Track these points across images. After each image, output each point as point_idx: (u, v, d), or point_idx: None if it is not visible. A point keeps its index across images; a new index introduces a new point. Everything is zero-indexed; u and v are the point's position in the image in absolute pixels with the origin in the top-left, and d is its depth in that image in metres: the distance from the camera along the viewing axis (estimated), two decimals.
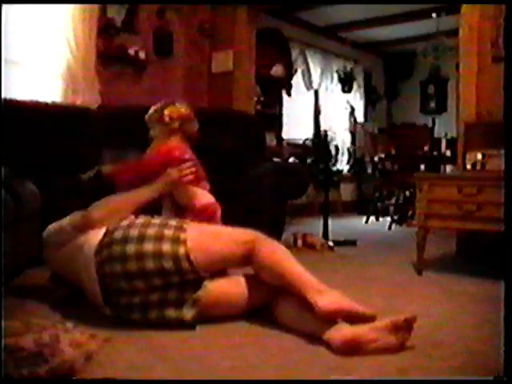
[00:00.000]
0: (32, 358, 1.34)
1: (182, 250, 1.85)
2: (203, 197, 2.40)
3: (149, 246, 1.86)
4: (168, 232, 1.90)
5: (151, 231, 1.90)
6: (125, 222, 1.98)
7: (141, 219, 2.01)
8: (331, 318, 1.68)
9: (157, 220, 2.00)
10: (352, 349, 1.60)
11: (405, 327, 1.63)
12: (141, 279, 1.85)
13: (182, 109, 2.59)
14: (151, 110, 2.62)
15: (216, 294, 1.91)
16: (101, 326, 1.79)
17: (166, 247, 1.86)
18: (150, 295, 1.86)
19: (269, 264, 1.88)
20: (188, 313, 1.84)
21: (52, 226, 2.18)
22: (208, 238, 1.96)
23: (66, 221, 2.14)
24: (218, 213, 2.42)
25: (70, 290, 2.19)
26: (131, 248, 1.86)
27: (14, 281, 2.33)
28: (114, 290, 1.89)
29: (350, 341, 1.61)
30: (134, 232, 1.90)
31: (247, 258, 1.90)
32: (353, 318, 1.70)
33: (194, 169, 2.32)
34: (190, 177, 2.30)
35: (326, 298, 1.71)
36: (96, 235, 1.98)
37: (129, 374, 1.44)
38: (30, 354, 1.34)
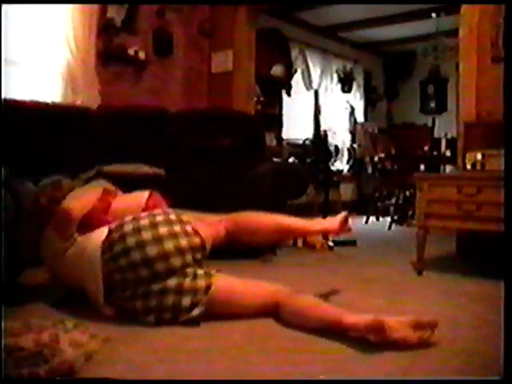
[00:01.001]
0: (32, 357, 1.34)
1: (196, 240, 1.99)
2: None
3: (164, 230, 1.94)
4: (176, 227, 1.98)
5: (160, 218, 1.99)
6: (128, 218, 2.01)
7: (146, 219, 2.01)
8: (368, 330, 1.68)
9: (160, 217, 2.02)
10: (376, 332, 1.64)
11: (426, 328, 1.68)
12: (155, 266, 1.89)
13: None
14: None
15: (226, 288, 1.93)
16: (101, 326, 1.79)
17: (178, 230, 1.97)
18: (164, 298, 1.88)
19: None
20: (196, 310, 1.85)
21: (44, 241, 2.19)
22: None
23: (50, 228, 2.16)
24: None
25: (69, 290, 2.19)
26: (148, 235, 1.92)
27: (14, 281, 2.33)
28: (119, 284, 1.91)
29: (376, 324, 1.64)
30: (145, 222, 1.96)
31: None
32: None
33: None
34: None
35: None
36: (99, 235, 1.99)
37: (129, 374, 1.44)
38: (30, 354, 1.34)
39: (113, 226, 2.00)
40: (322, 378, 1.43)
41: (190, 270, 1.91)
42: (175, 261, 1.90)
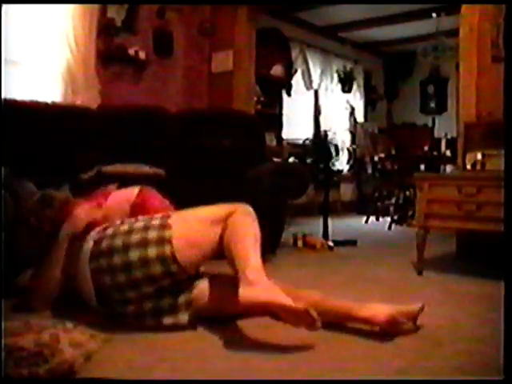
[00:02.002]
0: (32, 357, 1.34)
1: (167, 251, 1.80)
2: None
3: (135, 254, 1.81)
4: (152, 234, 1.84)
5: (135, 238, 1.84)
6: (109, 231, 1.93)
7: (125, 225, 1.93)
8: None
9: (140, 222, 1.92)
10: (392, 327, 1.75)
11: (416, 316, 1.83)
12: (132, 289, 1.82)
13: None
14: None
15: (209, 292, 1.89)
16: (101, 326, 1.78)
17: (152, 252, 1.81)
18: (143, 304, 1.83)
19: (229, 231, 1.85)
20: (184, 317, 1.82)
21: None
22: (192, 227, 1.90)
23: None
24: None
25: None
26: (118, 259, 1.83)
27: (14, 281, 2.32)
28: (108, 299, 1.88)
29: (393, 319, 1.74)
30: (119, 242, 1.86)
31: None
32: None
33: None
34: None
35: (250, 289, 1.66)
36: (89, 241, 1.95)
37: (129, 374, 1.44)
38: (30, 354, 1.34)
39: (96, 237, 1.94)
40: (333, 378, 1.43)
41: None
42: (137, 272, 1.82)
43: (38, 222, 2.11)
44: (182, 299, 1.84)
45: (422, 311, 1.84)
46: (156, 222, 1.89)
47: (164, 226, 1.86)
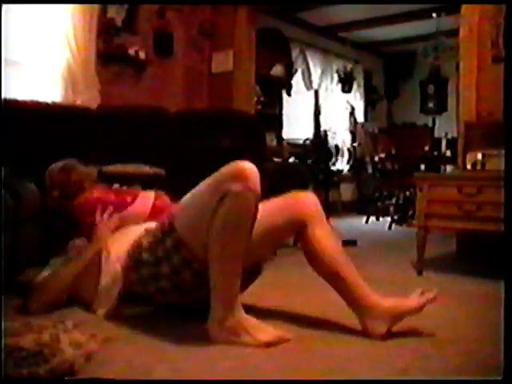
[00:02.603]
0: (32, 357, 1.34)
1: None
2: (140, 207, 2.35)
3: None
4: (176, 260, 1.82)
5: (165, 269, 1.85)
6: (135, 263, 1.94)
7: (149, 254, 1.90)
8: None
9: (160, 251, 1.86)
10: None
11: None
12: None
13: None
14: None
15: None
16: (101, 326, 1.79)
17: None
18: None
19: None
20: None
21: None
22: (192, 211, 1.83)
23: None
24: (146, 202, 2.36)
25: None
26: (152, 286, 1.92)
27: (14, 281, 2.32)
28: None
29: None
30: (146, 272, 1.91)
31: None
32: None
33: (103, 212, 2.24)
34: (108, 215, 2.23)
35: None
36: (123, 245, 2.00)
37: (129, 374, 1.44)
38: (30, 354, 1.34)
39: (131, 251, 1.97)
40: (333, 378, 1.43)
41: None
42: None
43: (51, 184, 2.16)
44: None
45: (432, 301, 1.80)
46: (169, 243, 1.83)
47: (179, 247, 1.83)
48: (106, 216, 2.22)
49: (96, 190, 2.35)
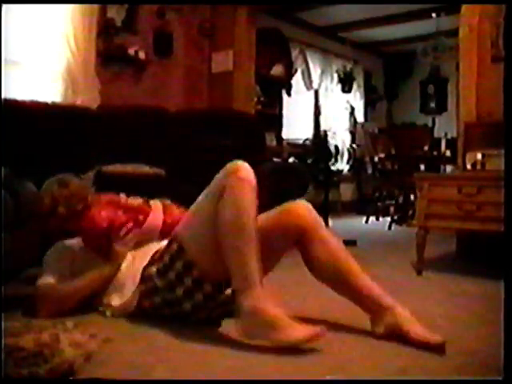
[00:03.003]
0: (32, 357, 1.34)
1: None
2: (152, 219, 2.27)
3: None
4: (187, 282, 1.82)
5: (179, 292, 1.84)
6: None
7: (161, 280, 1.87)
8: None
9: (173, 273, 1.84)
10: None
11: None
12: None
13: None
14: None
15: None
16: (101, 326, 1.79)
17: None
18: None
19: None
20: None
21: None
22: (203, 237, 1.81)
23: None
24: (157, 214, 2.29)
25: None
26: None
27: (13, 281, 2.32)
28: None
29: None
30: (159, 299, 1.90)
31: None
32: None
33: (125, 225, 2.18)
34: (129, 227, 2.17)
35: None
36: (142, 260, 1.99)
37: (129, 374, 1.44)
38: (30, 354, 1.34)
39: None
40: (328, 378, 1.42)
41: None
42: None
43: (52, 201, 2.11)
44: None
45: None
46: (180, 265, 1.82)
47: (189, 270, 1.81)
48: (122, 234, 2.15)
49: (102, 207, 2.20)
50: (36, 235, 2.39)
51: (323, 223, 1.97)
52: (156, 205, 2.32)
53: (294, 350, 1.64)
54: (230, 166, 1.78)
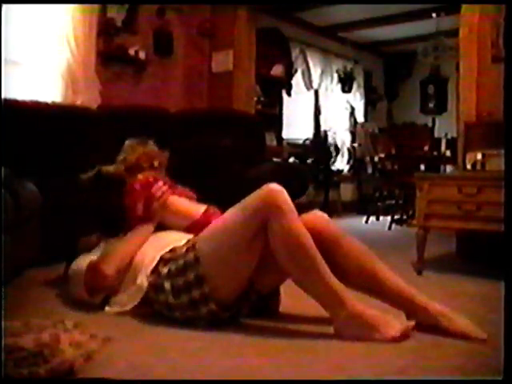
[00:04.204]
0: (32, 358, 1.34)
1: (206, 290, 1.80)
2: (194, 209, 2.36)
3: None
4: (194, 294, 1.82)
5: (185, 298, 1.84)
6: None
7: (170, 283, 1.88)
8: None
9: (181, 280, 1.85)
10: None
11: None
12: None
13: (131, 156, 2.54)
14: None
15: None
16: (101, 326, 1.79)
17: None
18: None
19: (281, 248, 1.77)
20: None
21: (77, 265, 2.15)
22: (227, 262, 1.80)
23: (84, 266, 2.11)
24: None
25: None
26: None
27: (14, 281, 2.33)
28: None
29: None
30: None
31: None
32: None
33: (161, 184, 2.31)
34: (164, 189, 2.29)
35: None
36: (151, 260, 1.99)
37: (129, 374, 1.44)
38: (30, 354, 1.34)
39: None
40: (333, 378, 1.43)
41: None
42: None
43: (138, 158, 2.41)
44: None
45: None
46: (192, 276, 1.81)
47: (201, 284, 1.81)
48: (159, 187, 2.28)
49: (152, 176, 2.39)
50: (36, 235, 2.40)
51: (342, 231, 1.97)
52: (198, 205, 2.38)
53: (294, 349, 1.65)
54: (266, 193, 1.78)
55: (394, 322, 1.71)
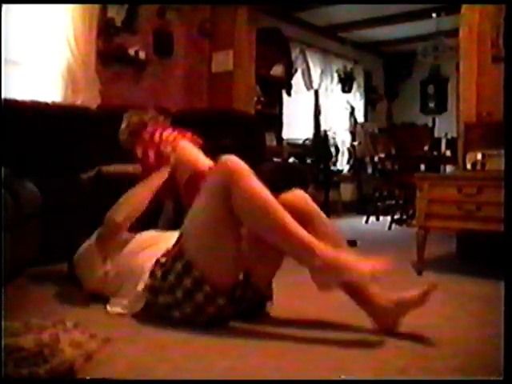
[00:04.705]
0: (32, 357, 1.34)
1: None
2: (204, 162, 2.43)
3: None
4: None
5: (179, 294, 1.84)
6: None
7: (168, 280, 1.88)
8: None
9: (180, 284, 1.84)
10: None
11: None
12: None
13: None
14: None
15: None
16: (101, 326, 1.79)
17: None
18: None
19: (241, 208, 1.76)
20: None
21: (82, 247, 2.21)
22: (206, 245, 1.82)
23: (93, 238, 2.17)
24: None
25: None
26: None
27: (14, 281, 2.33)
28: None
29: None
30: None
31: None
32: None
33: (170, 130, 2.44)
34: (175, 134, 2.39)
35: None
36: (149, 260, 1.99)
37: (129, 373, 1.44)
38: (30, 354, 1.34)
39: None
40: (342, 377, 1.42)
41: None
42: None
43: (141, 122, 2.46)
44: None
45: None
46: (180, 267, 1.82)
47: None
48: (170, 133, 2.39)
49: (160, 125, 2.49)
50: (36, 235, 2.40)
51: (318, 210, 1.97)
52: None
53: (294, 349, 1.65)
54: (220, 165, 1.83)
55: (368, 260, 1.68)
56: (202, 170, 2.30)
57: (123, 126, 2.57)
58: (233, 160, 1.81)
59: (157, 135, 2.38)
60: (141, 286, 1.94)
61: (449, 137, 6.61)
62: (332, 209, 5.56)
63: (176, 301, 1.84)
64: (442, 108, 8.17)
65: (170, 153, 2.30)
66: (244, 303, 1.91)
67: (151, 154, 2.31)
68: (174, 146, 2.33)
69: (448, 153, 6.12)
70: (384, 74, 8.72)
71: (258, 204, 1.72)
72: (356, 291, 1.83)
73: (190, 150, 2.40)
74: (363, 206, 7.05)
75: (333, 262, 1.65)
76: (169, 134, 2.40)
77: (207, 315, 1.83)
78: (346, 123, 7.94)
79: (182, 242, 1.85)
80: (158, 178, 2.25)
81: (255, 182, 1.76)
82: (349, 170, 7.55)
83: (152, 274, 1.92)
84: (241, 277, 1.89)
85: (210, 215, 1.79)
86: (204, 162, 2.38)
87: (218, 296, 1.80)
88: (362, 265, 1.65)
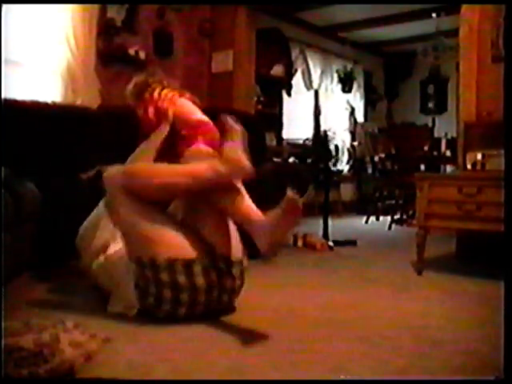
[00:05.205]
0: (32, 357, 1.34)
1: None
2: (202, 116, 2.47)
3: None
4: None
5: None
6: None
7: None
8: None
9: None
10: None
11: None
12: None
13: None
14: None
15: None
16: (101, 326, 1.79)
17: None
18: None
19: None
20: None
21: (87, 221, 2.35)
22: None
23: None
24: (214, 135, 2.49)
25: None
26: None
27: (13, 281, 2.33)
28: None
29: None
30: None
31: None
32: None
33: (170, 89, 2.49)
34: (174, 92, 2.45)
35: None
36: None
37: (129, 374, 1.44)
38: (30, 354, 1.34)
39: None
40: (342, 377, 1.43)
41: None
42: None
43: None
44: None
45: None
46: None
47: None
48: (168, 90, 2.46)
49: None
50: (36, 235, 2.40)
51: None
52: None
53: (294, 349, 1.65)
54: (108, 183, 2.10)
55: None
56: (198, 119, 2.36)
57: (130, 87, 2.62)
58: (110, 175, 2.11)
59: (156, 92, 2.41)
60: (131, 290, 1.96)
61: (449, 137, 6.61)
62: (332, 209, 5.55)
63: (153, 296, 1.89)
64: (441, 108, 8.17)
65: (168, 108, 2.31)
66: (225, 278, 1.94)
67: (151, 110, 2.35)
68: (172, 102, 2.35)
69: (448, 153, 6.12)
70: (384, 73, 8.73)
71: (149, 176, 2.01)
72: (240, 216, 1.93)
73: (188, 106, 2.43)
74: (363, 206, 7.05)
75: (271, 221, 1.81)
76: (168, 91, 2.43)
77: (184, 307, 1.89)
78: (345, 123, 7.95)
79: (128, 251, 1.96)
80: (158, 136, 2.32)
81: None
82: (349, 170, 7.55)
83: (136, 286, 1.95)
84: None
85: (131, 218, 1.94)
86: (201, 116, 2.41)
87: (181, 261, 1.87)
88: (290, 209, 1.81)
